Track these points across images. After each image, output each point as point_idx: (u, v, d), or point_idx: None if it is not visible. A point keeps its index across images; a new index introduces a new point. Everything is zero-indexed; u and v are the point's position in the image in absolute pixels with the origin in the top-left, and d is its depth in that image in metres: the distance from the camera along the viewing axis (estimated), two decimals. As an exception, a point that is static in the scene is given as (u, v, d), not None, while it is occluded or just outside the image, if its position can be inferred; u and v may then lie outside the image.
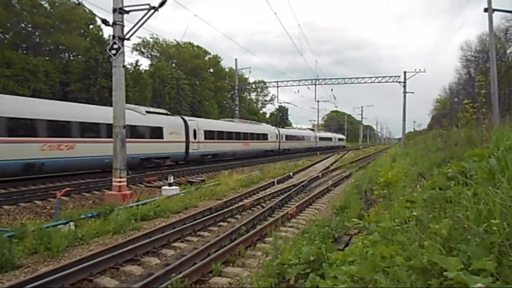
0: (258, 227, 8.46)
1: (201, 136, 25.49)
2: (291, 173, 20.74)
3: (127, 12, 11.89)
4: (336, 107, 66.49)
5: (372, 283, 2.21)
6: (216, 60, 63.95)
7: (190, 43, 60.12)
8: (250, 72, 59.60)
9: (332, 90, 48.49)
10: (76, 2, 26.05)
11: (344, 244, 6.56)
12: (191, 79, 51.32)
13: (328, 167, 25.28)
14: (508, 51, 45.78)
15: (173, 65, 54.09)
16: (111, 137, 16.46)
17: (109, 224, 8.43)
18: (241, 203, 11.46)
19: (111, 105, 13.12)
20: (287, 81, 44.40)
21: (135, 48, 54.72)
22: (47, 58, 37.55)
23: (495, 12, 15.26)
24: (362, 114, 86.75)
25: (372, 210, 7.15)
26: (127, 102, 13.56)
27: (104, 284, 5.54)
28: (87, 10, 30.38)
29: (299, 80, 44.05)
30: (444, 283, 1.75)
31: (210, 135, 26.89)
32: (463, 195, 2.54)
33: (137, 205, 10.41)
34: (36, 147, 14.60)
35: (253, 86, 64.83)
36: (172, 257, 6.79)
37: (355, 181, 14.31)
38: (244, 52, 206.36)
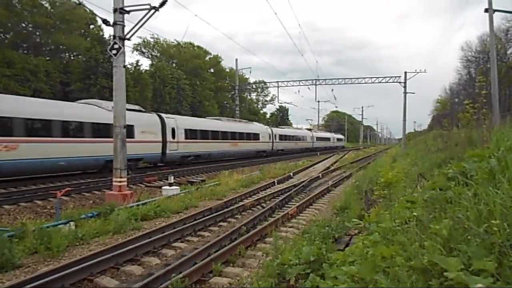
0: (259, 227, 8.45)
1: (181, 136, 23.46)
2: (291, 173, 20.74)
3: (128, 12, 11.90)
4: (336, 107, 66.46)
5: (373, 284, 2.21)
6: (216, 60, 63.97)
7: (190, 43, 60.19)
8: (250, 72, 59.84)
9: (332, 90, 48.40)
10: (77, 2, 26.05)
11: (345, 245, 6.56)
12: (191, 79, 51.33)
13: (328, 168, 25.27)
14: (508, 52, 45.76)
15: (174, 65, 54.11)
16: (67, 136, 15.83)
17: (110, 224, 8.44)
18: (241, 203, 11.46)
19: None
20: (288, 81, 44.46)
21: (136, 48, 54.82)
22: (47, 58, 37.59)
23: (496, 13, 15.29)
24: (362, 115, 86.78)
25: (373, 210, 7.16)
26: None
27: (104, 284, 5.54)
28: (88, 10, 30.42)
29: (300, 80, 44.10)
30: (445, 283, 1.75)
31: (192, 134, 24.90)
32: (464, 195, 2.54)
33: (138, 205, 10.42)
34: None
35: (254, 86, 64.83)
36: (172, 257, 6.79)
37: (355, 182, 14.31)
38: (245, 52, 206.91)
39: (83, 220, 8.77)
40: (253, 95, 78.11)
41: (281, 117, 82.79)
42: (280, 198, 12.24)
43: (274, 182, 17.02)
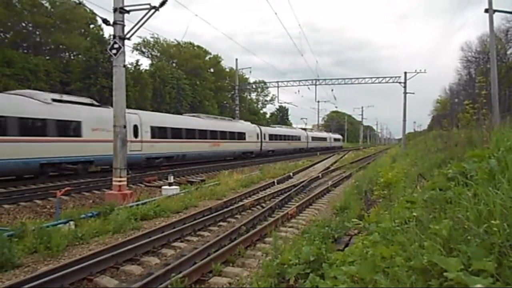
0: (258, 227, 8.45)
1: (146, 134, 20.36)
2: (291, 173, 20.76)
3: (128, 11, 11.90)
4: (336, 107, 66.53)
5: (372, 284, 2.21)
6: (216, 60, 63.96)
7: (190, 43, 60.17)
8: (250, 72, 59.82)
9: (332, 90, 48.35)
10: (77, 1, 26.01)
11: (344, 245, 6.56)
12: (191, 79, 51.31)
13: (328, 168, 25.29)
14: (508, 52, 45.82)
15: (174, 65, 54.10)
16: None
17: (109, 224, 8.44)
18: (241, 203, 11.46)
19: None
20: (288, 81, 44.36)
21: (136, 47, 54.82)
22: (47, 58, 37.55)
23: (496, 13, 15.29)
24: (362, 115, 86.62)
25: (372, 210, 7.16)
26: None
27: (104, 283, 5.54)
28: (88, 10, 30.43)
29: (300, 81, 44.00)
30: (444, 283, 1.75)
31: (160, 133, 21.66)
32: (463, 195, 2.54)
33: (137, 205, 10.42)
34: None
35: (254, 86, 64.75)
36: (172, 257, 6.79)
37: (355, 182, 14.31)
38: (245, 52, 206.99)
39: (82, 219, 8.77)
40: (253, 95, 78.21)
41: (281, 117, 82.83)
42: (280, 198, 12.24)
43: (274, 182, 17.03)
